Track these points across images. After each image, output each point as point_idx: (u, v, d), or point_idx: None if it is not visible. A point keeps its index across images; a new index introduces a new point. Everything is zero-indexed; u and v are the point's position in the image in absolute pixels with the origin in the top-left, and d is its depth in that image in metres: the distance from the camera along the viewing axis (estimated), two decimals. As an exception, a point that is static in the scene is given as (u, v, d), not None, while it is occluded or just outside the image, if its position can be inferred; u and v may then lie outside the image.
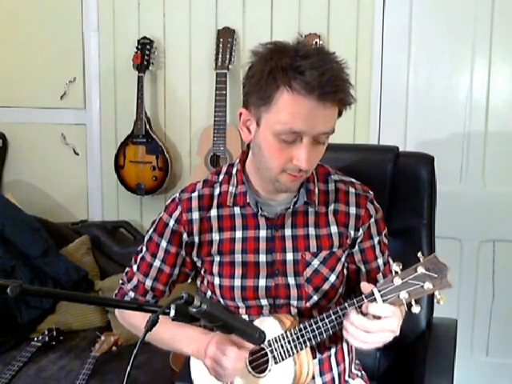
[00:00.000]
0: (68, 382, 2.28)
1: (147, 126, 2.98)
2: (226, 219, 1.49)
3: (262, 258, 1.48)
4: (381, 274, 1.54)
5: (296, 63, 1.28)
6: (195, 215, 1.50)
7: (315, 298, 1.49)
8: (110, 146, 3.14)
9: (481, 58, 2.72)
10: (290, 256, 1.47)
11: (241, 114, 1.41)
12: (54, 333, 2.50)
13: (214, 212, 1.50)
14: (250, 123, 1.39)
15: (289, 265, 1.47)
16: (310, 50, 1.32)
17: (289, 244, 1.47)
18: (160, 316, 1.04)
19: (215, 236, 1.49)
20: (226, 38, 2.85)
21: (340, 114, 1.36)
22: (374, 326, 1.30)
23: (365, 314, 1.31)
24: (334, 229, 1.49)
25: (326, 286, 1.49)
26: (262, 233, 1.48)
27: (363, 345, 1.32)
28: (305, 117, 1.30)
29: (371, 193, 1.54)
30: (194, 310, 1.08)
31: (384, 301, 1.28)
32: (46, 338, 2.47)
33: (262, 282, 1.47)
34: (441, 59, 2.77)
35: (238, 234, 1.48)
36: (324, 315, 1.39)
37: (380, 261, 1.54)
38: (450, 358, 1.74)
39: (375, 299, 1.29)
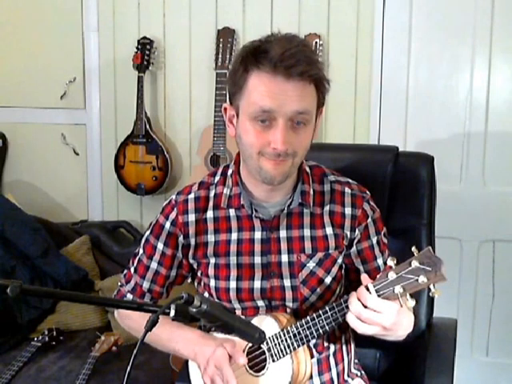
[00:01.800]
0: (68, 382, 2.28)
1: (147, 126, 2.98)
2: (222, 221, 1.49)
3: (257, 259, 1.47)
4: (381, 273, 1.54)
5: (263, 46, 1.33)
6: (191, 217, 1.49)
7: (311, 299, 1.49)
8: (110, 146, 3.14)
9: (481, 58, 2.72)
10: (285, 258, 1.47)
11: (225, 109, 1.43)
12: (54, 333, 2.49)
13: (209, 214, 1.49)
14: (233, 117, 1.41)
15: (284, 267, 1.47)
16: (278, 35, 1.35)
17: (284, 246, 1.47)
18: (159, 316, 1.04)
19: (211, 238, 1.49)
20: (226, 37, 2.85)
21: (321, 98, 1.37)
22: (364, 314, 1.28)
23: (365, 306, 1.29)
24: (329, 230, 1.48)
25: (321, 288, 1.48)
26: (257, 234, 1.47)
27: (355, 328, 1.31)
28: (273, 94, 1.30)
29: (368, 193, 1.53)
30: (194, 310, 1.08)
31: (379, 296, 1.27)
32: (46, 338, 2.47)
33: (258, 284, 1.47)
34: (441, 59, 2.77)
35: (234, 236, 1.48)
36: (320, 312, 1.39)
37: (380, 261, 1.53)
38: (450, 358, 1.74)
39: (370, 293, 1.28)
